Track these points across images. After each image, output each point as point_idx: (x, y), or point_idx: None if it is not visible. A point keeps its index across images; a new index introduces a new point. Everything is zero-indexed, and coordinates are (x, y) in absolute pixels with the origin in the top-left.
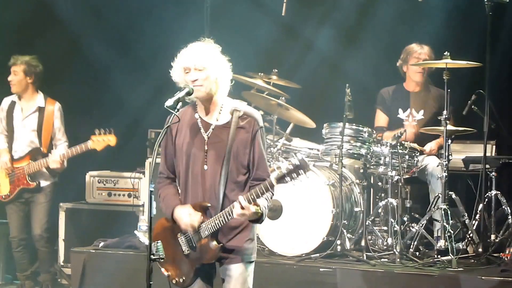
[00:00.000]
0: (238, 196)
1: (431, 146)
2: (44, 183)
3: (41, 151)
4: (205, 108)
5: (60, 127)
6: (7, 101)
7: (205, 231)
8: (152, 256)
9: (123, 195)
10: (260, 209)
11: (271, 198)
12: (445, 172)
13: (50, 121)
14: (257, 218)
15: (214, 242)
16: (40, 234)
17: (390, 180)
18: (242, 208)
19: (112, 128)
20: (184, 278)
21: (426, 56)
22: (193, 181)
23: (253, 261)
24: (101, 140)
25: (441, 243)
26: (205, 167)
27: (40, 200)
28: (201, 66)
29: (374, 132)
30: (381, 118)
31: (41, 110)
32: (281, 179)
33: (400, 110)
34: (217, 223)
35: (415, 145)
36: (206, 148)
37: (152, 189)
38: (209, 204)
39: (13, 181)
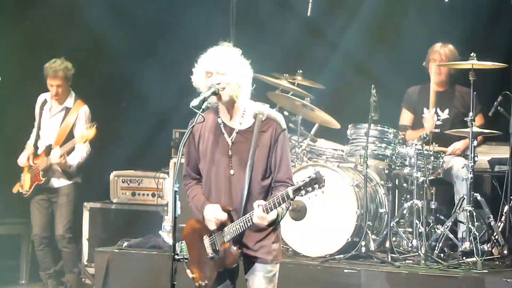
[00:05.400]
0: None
1: (455, 146)
2: (57, 183)
3: (51, 148)
4: (228, 112)
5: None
6: (41, 98)
7: (227, 235)
8: (176, 256)
9: (147, 194)
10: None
11: (290, 206)
12: (470, 173)
13: (70, 121)
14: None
15: (235, 247)
16: (62, 234)
17: (415, 181)
18: (259, 217)
19: (95, 123)
20: (206, 281)
21: (446, 56)
22: (218, 186)
23: (277, 263)
24: (85, 134)
25: (466, 245)
26: (232, 171)
27: (61, 201)
28: (224, 70)
29: (398, 131)
30: (406, 117)
31: (67, 110)
32: (297, 191)
33: (425, 110)
34: (238, 228)
35: (437, 147)
36: (230, 153)
37: (177, 189)
38: (231, 208)
39: (33, 176)
